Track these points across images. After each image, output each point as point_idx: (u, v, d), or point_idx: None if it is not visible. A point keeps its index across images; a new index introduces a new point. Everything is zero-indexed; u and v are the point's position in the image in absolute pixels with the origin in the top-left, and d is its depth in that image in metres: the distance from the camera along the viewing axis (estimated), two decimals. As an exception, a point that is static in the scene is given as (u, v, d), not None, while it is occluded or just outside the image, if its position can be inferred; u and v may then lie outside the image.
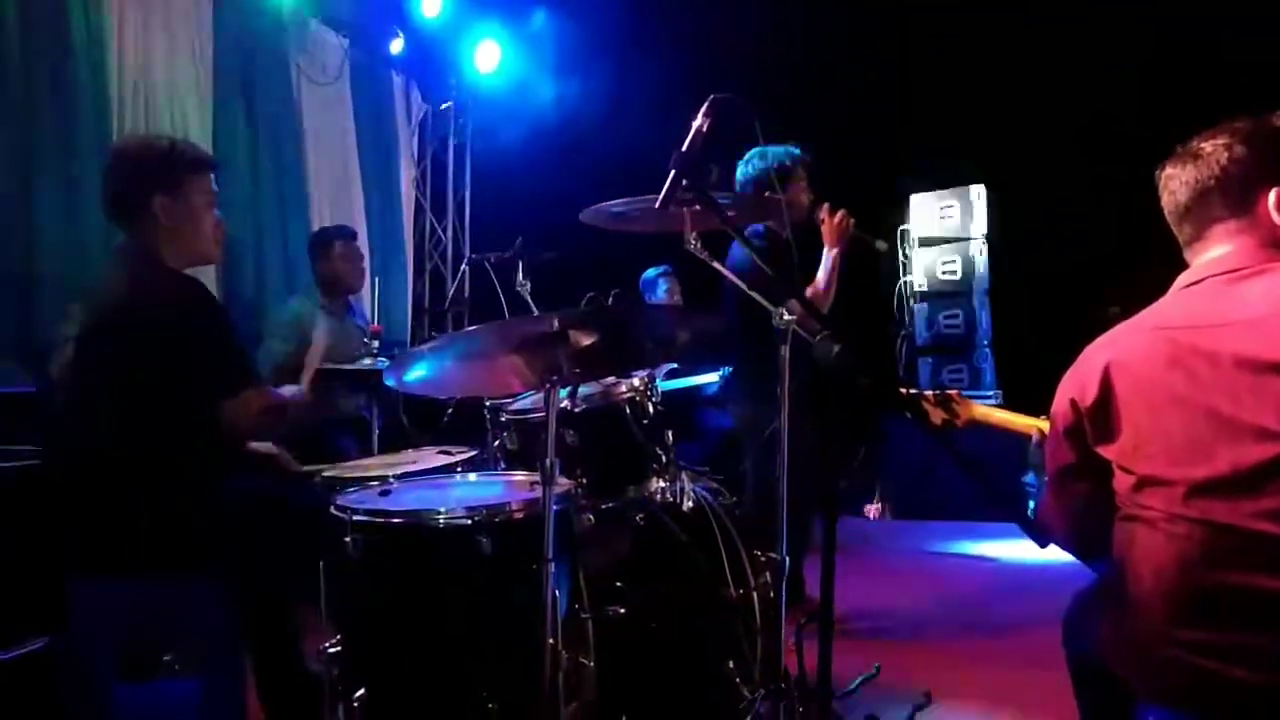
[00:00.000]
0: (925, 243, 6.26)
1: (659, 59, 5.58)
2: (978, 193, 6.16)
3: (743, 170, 3.39)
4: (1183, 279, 1.52)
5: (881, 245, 3.40)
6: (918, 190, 6.28)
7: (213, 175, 2.30)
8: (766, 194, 3.21)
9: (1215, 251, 1.49)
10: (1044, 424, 1.86)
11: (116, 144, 2.38)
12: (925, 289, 6.23)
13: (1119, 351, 1.47)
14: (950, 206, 6.22)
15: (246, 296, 4.39)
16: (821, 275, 3.34)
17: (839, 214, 3.34)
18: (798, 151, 3.42)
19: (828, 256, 3.33)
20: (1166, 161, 1.56)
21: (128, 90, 3.87)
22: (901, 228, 6.26)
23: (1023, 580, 4.16)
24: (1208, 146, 1.50)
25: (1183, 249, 1.57)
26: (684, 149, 1.69)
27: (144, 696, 2.47)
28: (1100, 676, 1.52)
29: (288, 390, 2.36)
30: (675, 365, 4.29)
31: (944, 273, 6.21)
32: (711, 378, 4.27)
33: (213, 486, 2.20)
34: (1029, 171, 5.76)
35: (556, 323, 1.75)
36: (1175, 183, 1.53)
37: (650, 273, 5.09)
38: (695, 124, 1.71)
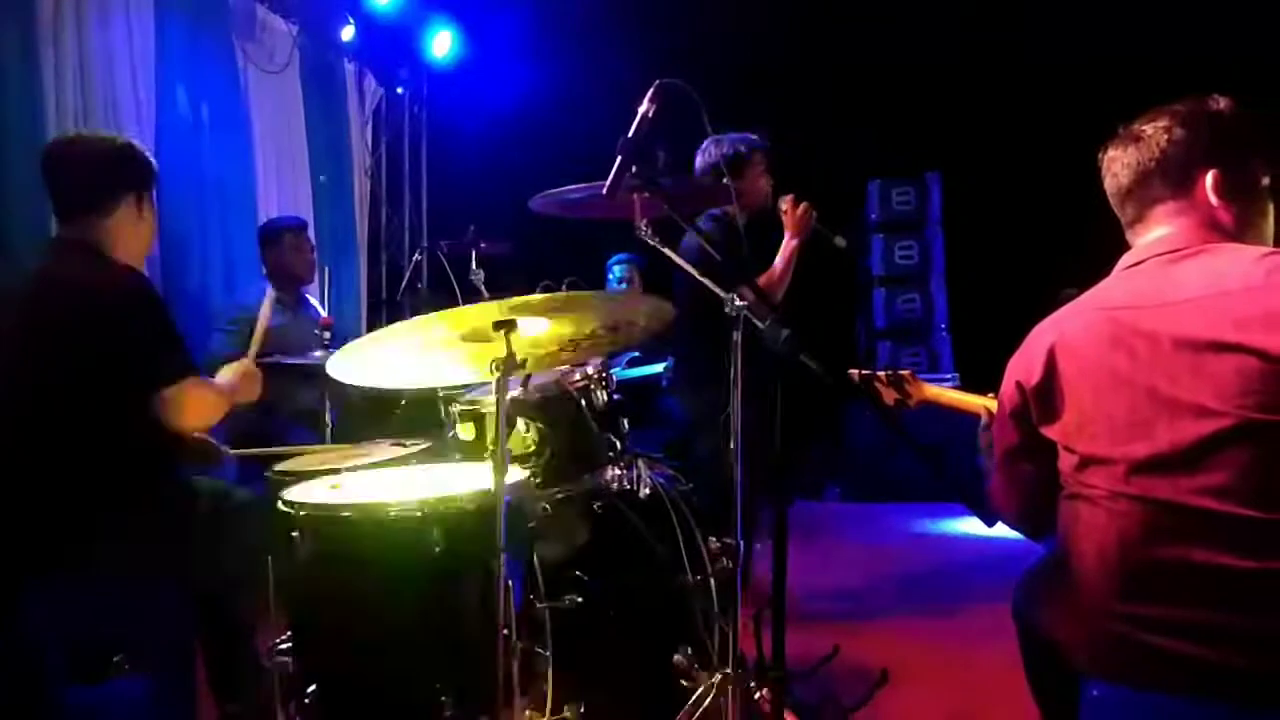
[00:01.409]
0: (882, 229, 6.31)
1: (617, 45, 5.54)
2: (934, 179, 6.23)
3: (700, 158, 3.38)
4: (1125, 260, 1.54)
5: (840, 242, 3.40)
6: (875, 177, 6.32)
7: (153, 174, 2.29)
8: (724, 180, 3.21)
9: (1156, 232, 1.51)
10: (994, 404, 1.88)
11: (62, 140, 2.31)
12: (883, 274, 6.29)
13: (1063, 333, 1.49)
14: (906, 193, 6.28)
15: (189, 288, 4.29)
16: (779, 262, 3.33)
17: (802, 205, 3.34)
18: (754, 138, 3.41)
19: (787, 245, 3.34)
20: (1108, 143, 1.58)
21: (64, 75, 3.75)
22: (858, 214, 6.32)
23: (975, 559, 4.22)
24: (1148, 129, 1.52)
25: (1125, 230, 1.59)
26: (630, 135, 1.68)
27: (95, 697, 2.42)
28: (1048, 652, 1.54)
29: (224, 379, 2.32)
30: (637, 354, 4.29)
31: (901, 258, 6.27)
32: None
33: (159, 481, 2.16)
34: (984, 157, 5.82)
35: (505, 310, 1.73)
36: (1117, 165, 1.55)
37: (612, 261, 5.10)
38: (641, 110, 1.71)
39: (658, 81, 1.71)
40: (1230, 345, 1.33)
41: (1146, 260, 1.48)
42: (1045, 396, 1.48)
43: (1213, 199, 1.47)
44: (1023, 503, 1.62)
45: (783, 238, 3.34)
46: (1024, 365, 1.52)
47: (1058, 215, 5.28)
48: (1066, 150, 5.19)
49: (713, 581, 2.28)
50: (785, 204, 3.34)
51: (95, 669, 2.45)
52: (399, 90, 6.34)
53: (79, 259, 2.12)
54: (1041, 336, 1.51)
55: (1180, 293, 1.40)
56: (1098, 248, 1.71)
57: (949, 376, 5.94)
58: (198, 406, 2.15)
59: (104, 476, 2.04)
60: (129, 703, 2.35)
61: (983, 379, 2.06)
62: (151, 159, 2.29)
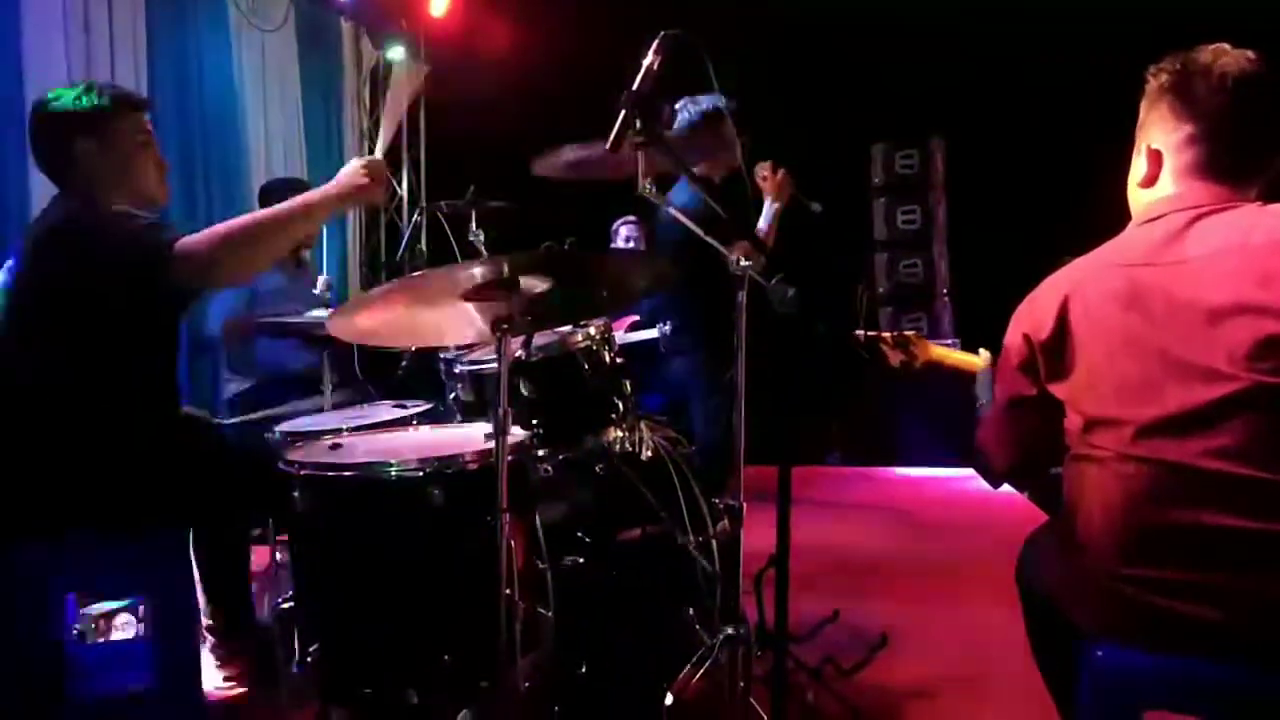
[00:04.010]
0: (885, 192, 6.26)
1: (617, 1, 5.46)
2: (937, 143, 6.17)
3: (682, 115, 3.32)
4: (1143, 213, 1.50)
5: (816, 207, 3.43)
6: (878, 140, 6.26)
7: (146, 115, 2.21)
8: (721, 128, 3.17)
9: (1180, 186, 1.47)
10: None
11: (43, 97, 2.26)
12: (885, 238, 6.24)
13: (1076, 288, 1.45)
14: (910, 157, 6.21)
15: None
16: (763, 225, 3.40)
17: (781, 171, 3.40)
18: (726, 100, 3.37)
19: (769, 209, 3.40)
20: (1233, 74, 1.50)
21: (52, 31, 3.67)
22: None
23: (978, 523, 4.23)
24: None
25: (1150, 161, 1.53)
26: (634, 88, 1.65)
27: (96, 655, 2.43)
28: (1051, 613, 1.54)
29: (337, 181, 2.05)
30: (638, 318, 4.26)
31: (904, 222, 6.23)
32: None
33: (159, 437, 2.14)
34: (988, 121, 5.75)
35: (506, 268, 1.71)
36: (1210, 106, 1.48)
37: (618, 221, 5.07)
38: (645, 62, 1.67)
39: (662, 33, 1.67)
40: (1249, 306, 1.30)
41: (1165, 215, 1.44)
42: (1055, 352, 1.44)
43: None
44: (1015, 452, 1.59)
45: (750, 202, 3.35)
46: (1034, 318, 1.48)
47: (1062, 180, 5.24)
48: (1071, 115, 5.14)
49: (714, 543, 2.28)
50: (764, 170, 3.39)
51: (96, 627, 2.46)
52: (397, 49, 6.24)
53: (69, 209, 2.09)
54: (1054, 289, 1.47)
55: (1200, 249, 1.37)
56: (1101, 213, 1.67)
57: (950, 342, 5.92)
58: (209, 244, 1.90)
59: (105, 433, 2.03)
60: (130, 661, 2.37)
61: (984, 344, 2.04)
62: (126, 96, 2.20)
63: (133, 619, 2.50)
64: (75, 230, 2.02)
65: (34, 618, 2.07)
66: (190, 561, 2.15)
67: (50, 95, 2.18)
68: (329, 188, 2.02)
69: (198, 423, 2.57)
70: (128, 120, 2.15)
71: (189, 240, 1.90)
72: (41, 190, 3.09)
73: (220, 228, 1.93)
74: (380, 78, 6.24)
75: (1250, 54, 1.43)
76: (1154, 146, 1.50)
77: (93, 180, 2.09)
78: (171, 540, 2.08)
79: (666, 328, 3.64)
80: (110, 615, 2.49)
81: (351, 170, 2.01)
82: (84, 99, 2.12)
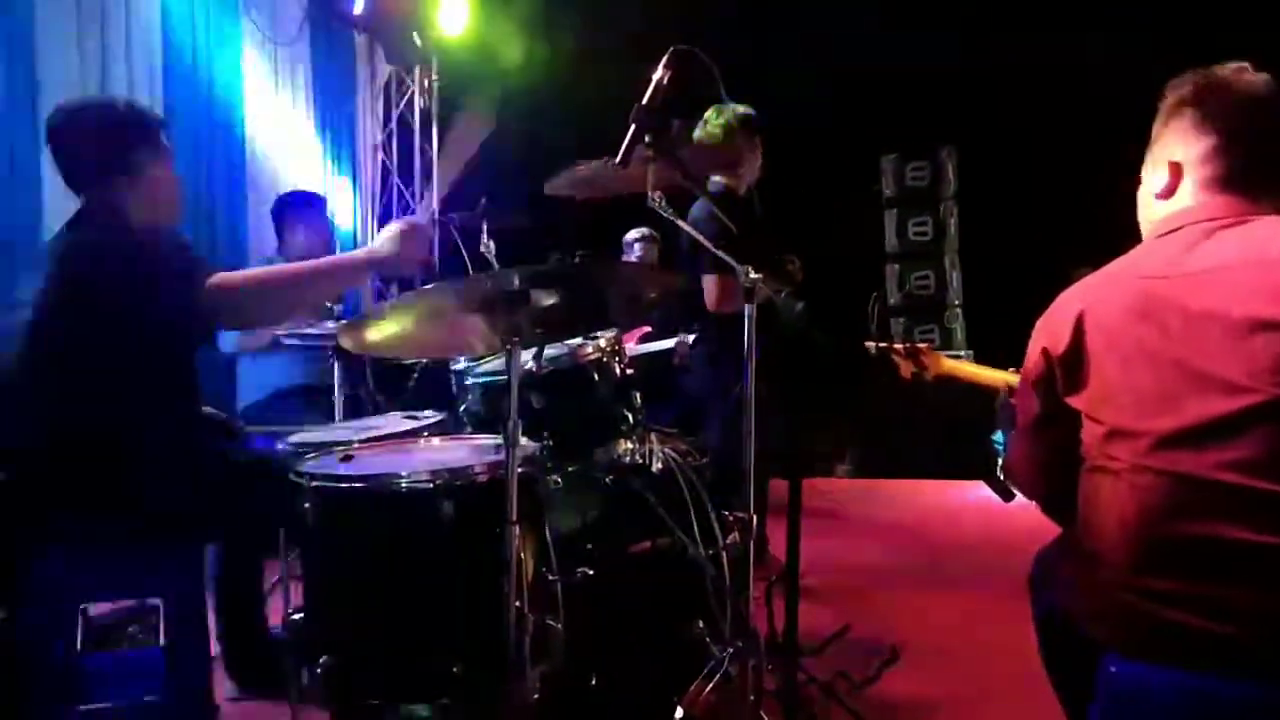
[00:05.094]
0: (896, 204, 6.26)
1: (630, 15, 5.48)
2: (948, 153, 6.16)
3: (702, 128, 3.34)
4: (1159, 226, 1.50)
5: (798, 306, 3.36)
6: (889, 152, 6.26)
7: (164, 133, 2.23)
8: (741, 142, 3.16)
9: (1199, 198, 1.47)
10: (1013, 379, 1.86)
11: (66, 109, 2.27)
12: (897, 250, 6.24)
13: (1092, 301, 1.45)
14: (921, 168, 6.22)
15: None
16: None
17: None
18: (750, 109, 3.37)
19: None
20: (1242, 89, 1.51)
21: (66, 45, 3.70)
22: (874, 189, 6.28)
23: (988, 536, 4.21)
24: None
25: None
26: (644, 102, 1.66)
27: (108, 666, 2.44)
28: (1064, 627, 1.53)
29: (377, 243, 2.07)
30: (650, 329, 4.27)
31: (915, 234, 6.22)
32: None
33: (177, 452, 2.16)
34: (999, 133, 5.75)
35: (517, 281, 1.72)
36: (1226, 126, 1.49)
37: (630, 235, 5.08)
38: (655, 76, 1.68)
39: (672, 48, 1.68)
40: (1266, 321, 1.29)
41: (1183, 228, 1.44)
42: (1071, 365, 1.44)
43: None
44: (1045, 475, 1.59)
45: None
46: (1051, 332, 1.48)
47: (1073, 191, 5.23)
48: (1082, 125, 5.13)
49: (724, 555, 2.28)
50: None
51: (109, 638, 2.47)
52: (411, 63, 6.28)
53: (100, 228, 2.11)
54: (1070, 303, 1.47)
55: (1217, 261, 1.37)
56: (1112, 223, 1.67)
57: (962, 354, 5.90)
58: (250, 285, 1.95)
59: (125, 448, 2.04)
60: (143, 671, 2.37)
61: (996, 356, 2.04)
62: (149, 114, 2.24)
63: (145, 629, 2.51)
64: (117, 247, 2.04)
65: (47, 626, 2.08)
66: (203, 571, 2.16)
67: (72, 107, 2.21)
68: (365, 251, 2.05)
69: (219, 428, 2.58)
70: (148, 137, 2.17)
71: (225, 278, 1.93)
72: (52, 190, 3.13)
73: (255, 274, 1.98)
74: (394, 93, 6.28)
75: (1266, 77, 1.45)
76: (1174, 159, 1.49)
77: (113, 194, 2.12)
78: (185, 550, 2.09)
79: (689, 338, 3.63)
80: (122, 625, 2.50)
81: (391, 234, 2.00)
82: (106, 114, 2.14)
